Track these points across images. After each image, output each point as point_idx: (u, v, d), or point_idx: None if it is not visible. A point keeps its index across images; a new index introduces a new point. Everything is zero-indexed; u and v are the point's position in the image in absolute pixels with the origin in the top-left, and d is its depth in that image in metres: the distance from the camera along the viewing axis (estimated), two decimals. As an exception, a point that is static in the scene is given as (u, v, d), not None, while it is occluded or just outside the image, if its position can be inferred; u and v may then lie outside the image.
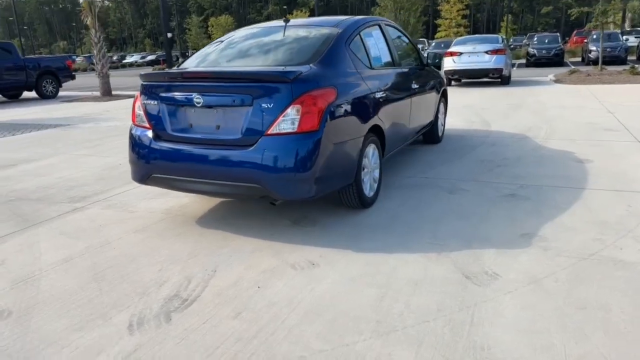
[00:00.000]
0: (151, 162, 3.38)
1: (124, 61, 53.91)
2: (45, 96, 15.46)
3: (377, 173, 3.90)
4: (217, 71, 3.44)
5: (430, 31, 59.85)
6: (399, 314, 2.30)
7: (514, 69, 19.61)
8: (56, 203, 4.28)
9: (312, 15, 50.25)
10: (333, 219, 3.59)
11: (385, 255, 2.94)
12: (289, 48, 3.63)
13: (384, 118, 3.92)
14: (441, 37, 39.02)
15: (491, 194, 4.05)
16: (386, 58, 4.39)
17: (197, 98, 3.16)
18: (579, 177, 4.44)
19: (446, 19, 44.11)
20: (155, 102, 3.38)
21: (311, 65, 3.30)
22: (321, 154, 3.06)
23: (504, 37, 17.08)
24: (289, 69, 3.17)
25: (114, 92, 15.39)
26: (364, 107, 3.56)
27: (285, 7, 74.01)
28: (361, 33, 4.00)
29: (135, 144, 3.48)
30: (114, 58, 56.33)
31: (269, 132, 3.02)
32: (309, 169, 3.03)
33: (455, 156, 5.43)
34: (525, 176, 4.55)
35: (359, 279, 2.66)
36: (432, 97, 5.49)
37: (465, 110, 8.99)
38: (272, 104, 3.01)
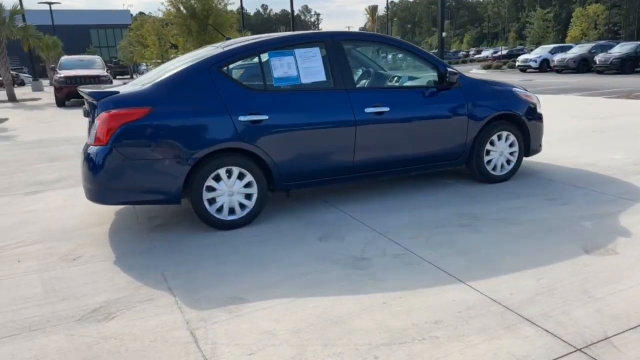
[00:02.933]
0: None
1: (477, 56, 54.98)
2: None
3: (240, 198, 3.80)
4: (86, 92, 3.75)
5: None
6: None
7: None
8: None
9: None
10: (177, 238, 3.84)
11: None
12: (167, 70, 3.94)
13: (274, 143, 3.74)
14: None
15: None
16: (313, 78, 3.99)
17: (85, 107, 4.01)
18: None
19: None
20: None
21: (144, 86, 3.63)
22: (110, 166, 3.44)
23: None
24: (109, 90, 3.63)
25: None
26: (201, 128, 3.58)
27: None
28: (265, 54, 3.87)
29: None
30: (470, 53, 58.24)
31: (88, 142, 3.63)
32: (97, 178, 3.47)
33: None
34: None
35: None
36: (453, 123, 4.41)
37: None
38: (93, 120, 3.60)
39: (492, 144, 4.67)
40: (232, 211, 3.80)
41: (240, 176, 3.77)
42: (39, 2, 39.51)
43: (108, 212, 4.36)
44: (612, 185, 4.56)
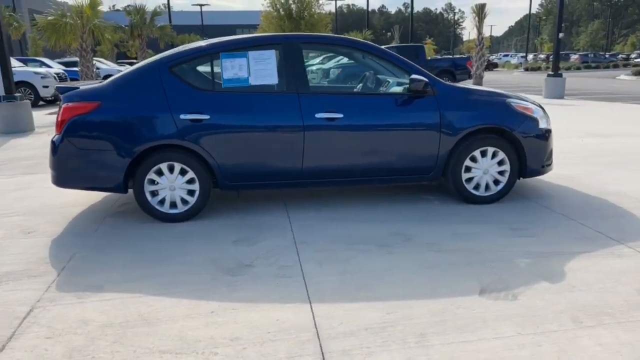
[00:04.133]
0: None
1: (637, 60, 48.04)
2: (440, 92, 17.62)
3: (182, 193, 3.96)
4: None
5: None
6: None
7: None
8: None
9: None
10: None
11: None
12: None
13: (215, 142, 3.85)
14: None
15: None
16: (264, 81, 3.97)
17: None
18: None
19: None
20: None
21: (101, 83, 3.96)
22: (62, 154, 3.84)
23: None
24: (70, 85, 4.01)
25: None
26: (144, 124, 3.81)
27: None
28: (217, 55, 3.97)
29: None
30: (631, 56, 51.28)
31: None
32: (54, 163, 3.89)
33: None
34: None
35: None
36: (421, 134, 4.06)
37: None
38: (61, 112, 4.05)
39: (473, 160, 4.19)
40: (173, 205, 3.99)
41: (183, 172, 3.93)
42: (192, 5, 44.13)
43: (98, 194, 4.84)
44: (612, 220, 3.80)
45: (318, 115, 3.93)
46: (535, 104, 4.43)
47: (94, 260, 3.31)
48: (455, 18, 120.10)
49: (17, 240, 3.69)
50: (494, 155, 4.19)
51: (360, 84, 4.61)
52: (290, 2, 14.22)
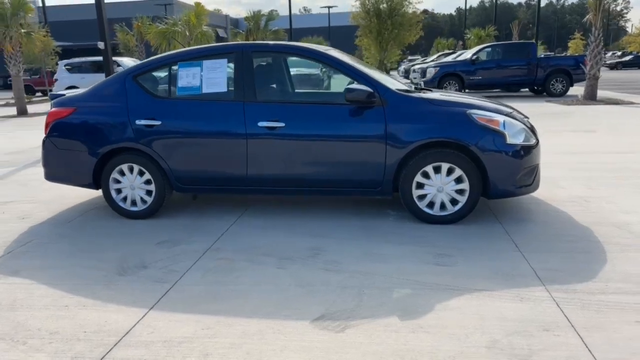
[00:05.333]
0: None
1: None
2: (552, 94, 15.95)
3: (141, 193, 4.28)
4: None
5: None
6: None
7: None
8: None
9: None
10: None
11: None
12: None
13: (166, 146, 4.11)
14: None
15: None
16: (214, 89, 4.09)
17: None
18: None
19: None
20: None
21: (84, 91, 4.45)
22: (48, 153, 4.41)
23: None
24: (59, 93, 4.54)
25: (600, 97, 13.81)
26: (106, 128, 4.19)
27: None
28: (175, 65, 4.21)
29: None
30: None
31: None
32: (42, 160, 4.49)
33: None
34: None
35: None
36: (366, 146, 3.85)
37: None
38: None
39: (426, 176, 3.85)
40: (134, 203, 4.34)
41: (141, 173, 4.26)
42: (321, 7, 45.64)
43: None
44: (571, 257, 3.22)
45: (260, 124, 3.95)
46: (512, 116, 3.90)
47: (44, 247, 3.77)
48: (618, 9, 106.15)
49: (7, 224, 4.34)
50: (449, 171, 3.80)
51: (308, 93, 4.49)
52: (381, 1, 14.02)
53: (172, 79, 4.24)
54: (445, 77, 16.43)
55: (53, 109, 4.40)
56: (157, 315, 2.66)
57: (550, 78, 15.90)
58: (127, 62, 17.49)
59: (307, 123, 3.94)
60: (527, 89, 17.01)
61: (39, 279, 3.18)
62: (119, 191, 4.34)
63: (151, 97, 4.20)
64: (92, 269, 3.32)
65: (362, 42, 14.63)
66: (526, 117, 4.33)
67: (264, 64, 4.25)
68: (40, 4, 28.52)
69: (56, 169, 4.48)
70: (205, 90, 4.13)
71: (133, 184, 4.28)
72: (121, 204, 4.34)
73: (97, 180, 4.36)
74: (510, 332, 2.36)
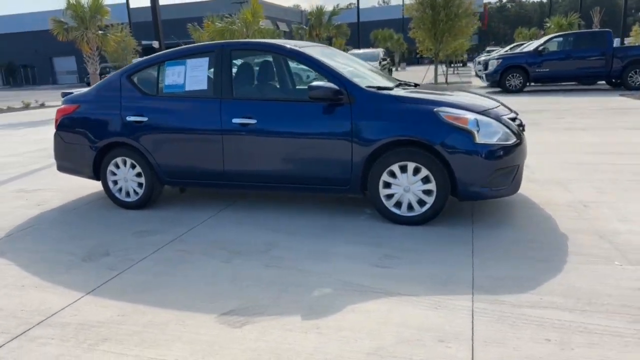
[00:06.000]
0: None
1: None
2: (630, 87, 14.60)
3: (134, 185, 4.55)
4: None
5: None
6: None
7: None
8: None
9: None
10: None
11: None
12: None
13: (151, 141, 4.36)
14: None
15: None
16: (196, 86, 4.25)
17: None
18: None
19: None
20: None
21: (87, 89, 4.80)
22: (57, 146, 4.83)
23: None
24: (69, 91, 4.92)
25: None
26: (103, 124, 4.50)
27: None
28: (163, 64, 4.42)
29: None
30: None
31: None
32: (54, 153, 4.92)
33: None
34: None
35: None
36: (332, 143, 3.82)
37: None
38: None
39: (393, 175, 3.74)
40: (128, 194, 4.63)
41: (133, 166, 4.53)
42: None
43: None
44: (528, 266, 3.00)
45: (234, 121, 4.06)
46: (487, 114, 3.68)
47: (41, 232, 4.15)
48: None
49: (23, 210, 4.82)
50: (416, 171, 3.67)
51: (280, 90, 4.49)
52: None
53: (159, 77, 4.45)
54: (509, 69, 15.56)
55: (61, 106, 4.80)
56: (90, 299, 2.86)
57: (628, 70, 14.52)
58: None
59: (278, 120, 3.98)
60: (604, 82, 15.68)
61: (18, 260, 3.52)
62: (115, 183, 4.65)
63: (141, 94, 4.45)
64: (67, 254, 3.60)
65: (416, 34, 14.21)
66: (515, 113, 4.06)
67: (242, 62, 4.34)
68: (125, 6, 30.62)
69: (64, 161, 4.88)
70: (188, 87, 4.31)
71: (126, 176, 4.57)
72: (117, 194, 4.65)
73: (97, 172, 4.70)
74: (403, 339, 2.28)
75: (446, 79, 21.61)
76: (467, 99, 4.01)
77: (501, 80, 15.66)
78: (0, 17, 51.41)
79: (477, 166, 3.55)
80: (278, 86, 4.51)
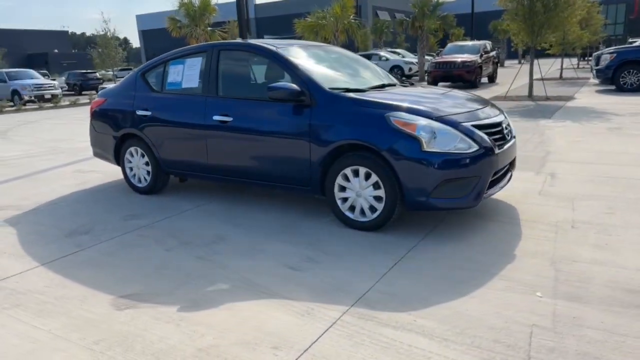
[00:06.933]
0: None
1: None
2: None
3: (144, 172, 5.04)
4: None
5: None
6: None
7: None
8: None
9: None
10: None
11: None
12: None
13: (153, 133, 4.81)
14: None
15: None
16: (190, 84, 4.55)
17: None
18: None
19: None
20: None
21: (115, 85, 5.38)
22: (91, 134, 5.50)
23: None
24: (104, 85, 5.52)
25: None
26: (121, 116, 5.03)
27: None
28: (169, 63, 4.81)
29: None
30: None
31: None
32: (90, 140, 5.61)
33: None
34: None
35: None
36: (293, 143, 3.87)
37: None
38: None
39: (347, 179, 3.70)
40: (140, 180, 5.14)
41: (143, 156, 5.02)
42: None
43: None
44: (425, 281, 2.83)
45: (215, 117, 4.30)
46: (444, 120, 3.45)
47: (56, 208, 4.79)
48: None
49: (63, 188, 5.58)
50: (367, 176, 3.59)
51: (257, 89, 4.54)
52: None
53: (164, 75, 4.84)
54: (624, 65, 13.76)
55: (95, 99, 5.46)
56: (40, 270, 3.31)
57: None
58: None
59: (250, 118, 4.14)
60: None
61: (15, 232, 4.12)
62: (131, 169, 5.18)
63: (150, 91, 4.89)
64: (58, 229, 4.15)
65: (510, 27, 13.05)
66: (504, 116, 3.79)
67: (228, 61, 4.52)
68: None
69: (96, 147, 5.55)
70: (184, 85, 4.65)
71: (138, 164, 5.07)
72: (132, 180, 5.18)
73: (118, 158, 5.27)
74: (242, 341, 2.33)
75: (561, 74, 19.69)
76: (435, 101, 3.78)
77: (614, 77, 13.93)
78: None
79: (424, 175, 3.36)
80: (256, 86, 4.65)
